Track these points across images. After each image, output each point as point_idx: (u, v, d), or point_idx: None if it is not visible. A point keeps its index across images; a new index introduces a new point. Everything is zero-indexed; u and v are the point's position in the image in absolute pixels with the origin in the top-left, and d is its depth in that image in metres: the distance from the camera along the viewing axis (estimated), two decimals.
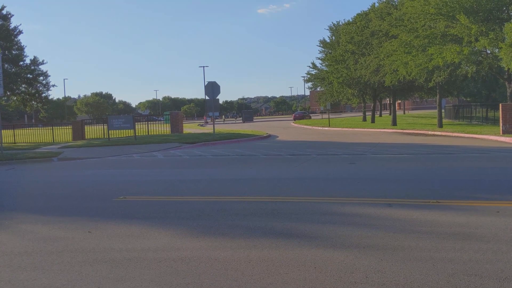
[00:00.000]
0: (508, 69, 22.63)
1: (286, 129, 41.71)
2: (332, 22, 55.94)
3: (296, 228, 6.03)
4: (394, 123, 36.33)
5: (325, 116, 67.33)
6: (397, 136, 25.28)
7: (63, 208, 8.13)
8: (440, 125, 30.45)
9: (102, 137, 29.10)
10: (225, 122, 74.13)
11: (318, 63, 56.75)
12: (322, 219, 6.46)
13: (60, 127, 33.46)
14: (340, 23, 52.32)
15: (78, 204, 8.45)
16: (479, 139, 21.53)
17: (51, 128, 31.58)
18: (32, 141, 30.29)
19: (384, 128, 32.78)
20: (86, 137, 30.31)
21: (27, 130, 34.44)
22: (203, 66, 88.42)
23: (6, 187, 11.52)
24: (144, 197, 8.88)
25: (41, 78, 31.98)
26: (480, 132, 23.21)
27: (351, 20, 46.32)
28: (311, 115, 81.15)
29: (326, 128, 38.26)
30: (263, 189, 9.27)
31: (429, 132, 26.75)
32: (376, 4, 38.83)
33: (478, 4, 23.19)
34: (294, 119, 68.67)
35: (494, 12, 23.83)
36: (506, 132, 21.53)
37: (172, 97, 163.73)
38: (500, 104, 22.66)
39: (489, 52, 24.54)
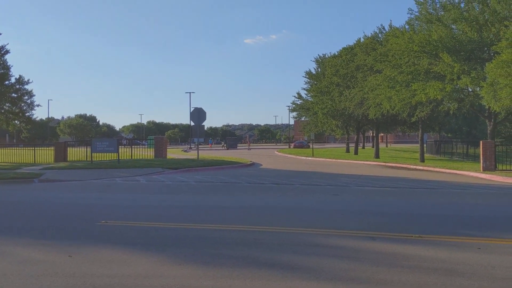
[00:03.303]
0: (489, 107, 23.17)
1: (270, 157, 41.80)
2: (318, 54, 57.12)
3: (279, 258, 6.02)
4: (377, 155, 36.73)
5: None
6: (380, 169, 25.52)
7: (43, 230, 8.00)
8: (422, 160, 30.89)
9: (85, 159, 28.76)
10: (229, 148, 74.42)
11: (303, 93, 57.48)
12: (306, 251, 6.46)
13: (42, 148, 33.03)
14: (326, 55, 53.34)
15: (59, 227, 8.32)
16: (460, 175, 21.84)
17: (33, 148, 31.16)
18: (13, 161, 29.80)
19: (367, 161, 33.07)
20: (68, 159, 29.92)
21: (8, 150, 33.89)
22: (189, 92, 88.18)
23: None
24: (126, 222, 8.77)
25: (26, 97, 31.75)
26: (461, 168, 23.57)
27: (337, 54, 47.29)
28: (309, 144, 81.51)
29: (310, 158, 38.46)
30: (247, 218, 9.24)
31: (411, 166, 27.07)
32: (362, 39, 39.71)
33: (460, 44, 23.89)
34: (294, 147, 69.64)
35: (475, 52, 24.54)
36: (486, 169, 21.90)
37: (157, 121, 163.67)
38: (481, 142, 23.11)
39: (470, 90, 25.17)
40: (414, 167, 26.80)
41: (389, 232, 7.68)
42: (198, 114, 26.94)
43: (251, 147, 79.38)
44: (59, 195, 13.81)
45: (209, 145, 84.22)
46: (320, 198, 12.99)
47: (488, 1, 23.94)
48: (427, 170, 24.77)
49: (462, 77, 22.75)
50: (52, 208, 10.88)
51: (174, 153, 48.34)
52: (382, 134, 79.08)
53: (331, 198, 12.90)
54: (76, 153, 31.47)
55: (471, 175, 21.42)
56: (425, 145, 39.56)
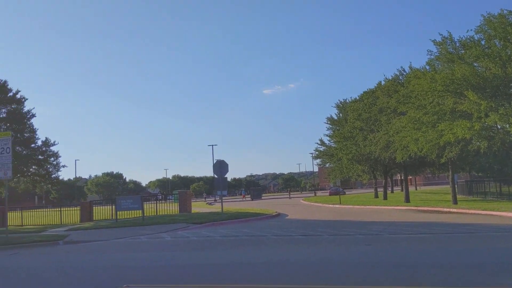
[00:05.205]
0: None
1: (295, 206, 40.99)
2: (339, 100, 57.27)
3: None
4: (407, 199, 35.62)
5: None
6: (412, 214, 24.57)
7: None
8: (455, 202, 29.70)
9: (110, 218, 28.64)
10: (253, 199, 74.65)
11: (326, 139, 57.07)
12: None
13: (69, 209, 33.15)
14: (347, 100, 53.26)
15: None
16: (497, 216, 20.80)
17: (59, 209, 31.26)
18: (40, 223, 29.89)
19: (397, 205, 32.05)
20: (94, 218, 29.87)
21: (36, 212, 34.12)
22: (212, 145, 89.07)
23: (3, 273, 10.99)
24: (149, 285, 8.32)
25: (52, 159, 32.20)
26: (498, 209, 22.48)
27: (358, 98, 47.13)
28: (345, 191, 79.96)
29: (337, 206, 37.50)
30: (274, 276, 8.67)
31: (445, 209, 26.02)
32: (383, 82, 39.52)
33: (485, 81, 23.38)
34: (330, 194, 67.82)
35: (501, 88, 23.96)
36: None
37: (182, 175, 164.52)
38: None
39: (500, 127, 24.39)
40: (448, 210, 25.75)
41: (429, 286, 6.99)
42: (220, 166, 26.74)
43: (293, 196, 79.88)
44: (82, 257, 13.49)
45: (242, 196, 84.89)
46: (351, 249, 12.31)
47: (509, 37, 23.56)
48: (461, 213, 23.73)
49: (490, 114, 22.10)
50: (73, 272, 10.50)
51: (199, 206, 48.03)
52: (410, 177, 77.51)
53: (363, 249, 12.20)
54: (102, 211, 31.40)
55: (509, 215, 20.35)
56: (456, 186, 38.34)
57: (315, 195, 78.29)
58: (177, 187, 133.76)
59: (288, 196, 78.75)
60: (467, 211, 24.03)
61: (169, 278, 9.00)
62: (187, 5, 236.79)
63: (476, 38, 25.15)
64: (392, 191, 61.77)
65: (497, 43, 24.52)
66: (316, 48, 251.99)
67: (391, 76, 38.45)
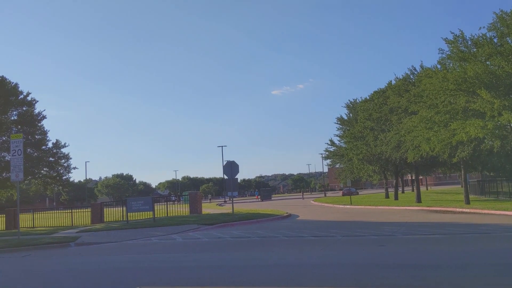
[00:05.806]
0: None
1: (306, 207, 40.80)
2: (349, 100, 57.02)
3: None
4: (419, 200, 35.31)
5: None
6: (424, 214, 24.33)
7: None
8: (467, 202, 29.39)
9: (121, 219, 28.65)
10: (263, 199, 75.09)
11: (336, 140, 56.78)
12: None
13: (80, 210, 33.26)
14: (357, 100, 52.94)
15: None
16: (511, 216, 20.52)
17: (70, 211, 31.37)
18: (51, 225, 30.00)
19: (409, 206, 31.78)
20: (105, 220, 29.91)
21: (47, 214, 34.26)
22: (222, 146, 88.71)
23: (17, 275, 10.98)
24: (160, 287, 8.25)
25: (63, 161, 32.32)
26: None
27: (368, 98, 46.80)
28: (358, 191, 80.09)
29: (348, 206, 37.26)
30: (286, 276, 8.56)
31: (457, 209, 25.74)
32: (393, 82, 39.19)
33: (498, 79, 23.10)
34: (343, 194, 67.44)
35: None
36: None
37: (191, 176, 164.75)
38: None
39: None
40: (460, 210, 25.47)
41: None
42: (231, 168, 26.62)
43: (304, 196, 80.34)
44: (94, 259, 13.45)
45: (256, 197, 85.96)
46: (364, 250, 12.16)
47: None
48: (474, 213, 23.45)
49: (503, 113, 21.82)
50: (84, 275, 10.46)
51: (209, 207, 47.99)
52: (421, 177, 76.98)
53: (376, 250, 12.05)
54: (113, 213, 31.45)
55: None
56: (468, 186, 37.91)
57: (325, 195, 78.02)
58: (187, 188, 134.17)
59: (301, 196, 78.75)
60: (480, 211, 23.75)
61: (180, 279, 8.93)
62: (197, 5, 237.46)
63: (488, 36, 24.87)
64: (403, 191, 61.35)
65: (509, 41, 24.23)
66: (325, 48, 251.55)
67: (402, 75, 38.17)
